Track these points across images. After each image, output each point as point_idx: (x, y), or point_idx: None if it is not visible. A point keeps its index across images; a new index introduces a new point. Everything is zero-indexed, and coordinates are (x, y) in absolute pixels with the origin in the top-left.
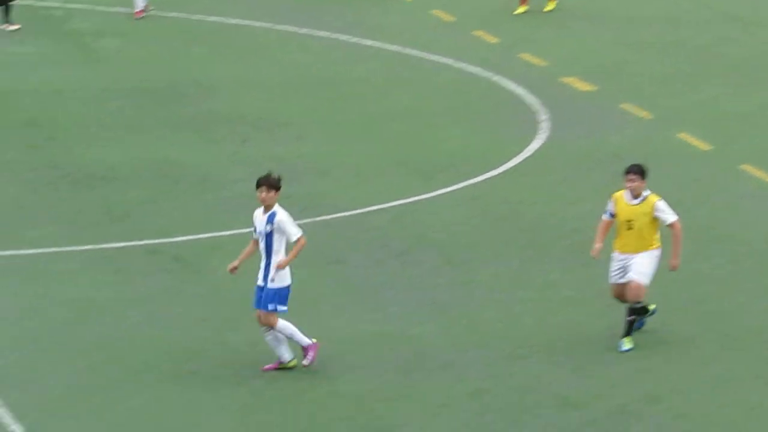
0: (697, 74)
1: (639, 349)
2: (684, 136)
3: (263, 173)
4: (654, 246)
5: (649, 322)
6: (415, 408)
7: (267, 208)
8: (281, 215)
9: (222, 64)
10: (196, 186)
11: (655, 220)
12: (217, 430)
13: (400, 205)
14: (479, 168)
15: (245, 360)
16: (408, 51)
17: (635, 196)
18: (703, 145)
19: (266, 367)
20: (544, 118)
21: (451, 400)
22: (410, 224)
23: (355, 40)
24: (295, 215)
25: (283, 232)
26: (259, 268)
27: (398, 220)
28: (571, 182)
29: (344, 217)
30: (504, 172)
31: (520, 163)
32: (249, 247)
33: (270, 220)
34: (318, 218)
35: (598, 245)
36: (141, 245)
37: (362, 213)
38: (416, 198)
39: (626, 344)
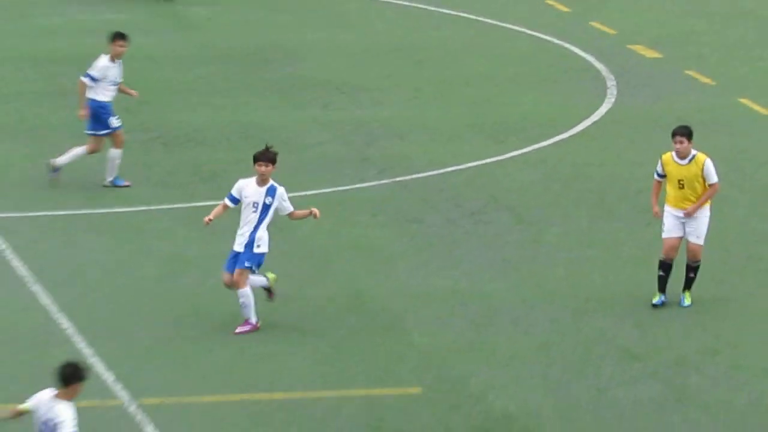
0: (761, 43)
1: (697, 304)
2: (745, 101)
3: (261, 148)
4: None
5: (708, 279)
6: (484, 360)
7: (264, 182)
8: (282, 189)
9: (306, 31)
10: (280, 147)
11: (704, 177)
12: (299, 380)
13: (474, 166)
14: (549, 131)
15: (325, 313)
16: (483, 19)
17: (683, 157)
18: (763, 110)
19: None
20: (611, 83)
21: (519, 353)
22: (483, 185)
23: (432, 8)
24: (373, 177)
25: (278, 205)
26: (238, 234)
27: (471, 182)
28: (637, 145)
29: (420, 178)
30: (573, 136)
31: (588, 126)
32: (220, 209)
33: (271, 193)
34: (395, 179)
35: (656, 209)
36: None
37: (437, 174)
38: (489, 160)
39: (687, 300)
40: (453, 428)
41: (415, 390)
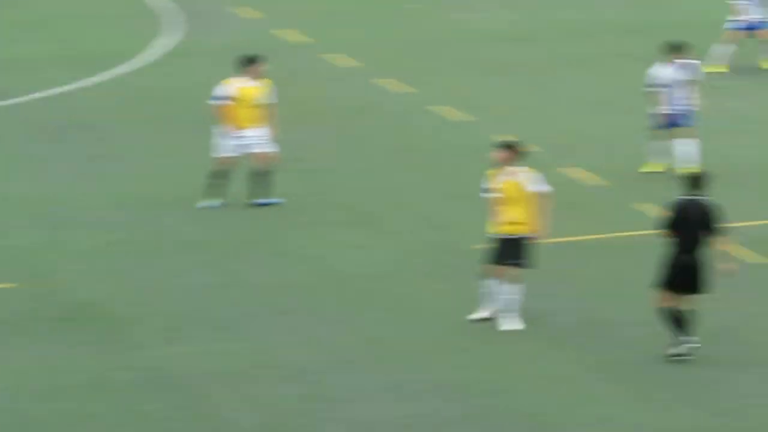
0: None
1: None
2: (282, 32)
3: None
4: (264, 122)
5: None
6: (68, 255)
7: None
8: None
9: None
10: None
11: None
12: None
13: (59, 93)
14: (127, 61)
15: None
16: None
17: (255, 79)
18: (301, 38)
19: None
20: (182, 21)
21: (97, 249)
22: (67, 108)
23: None
24: None
25: None
26: None
27: (56, 106)
28: (199, 71)
29: (16, 103)
30: (147, 64)
31: (160, 56)
32: None
33: None
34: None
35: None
36: None
37: (30, 100)
38: (73, 87)
39: (264, 200)
40: (44, 316)
41: (9, 285)
